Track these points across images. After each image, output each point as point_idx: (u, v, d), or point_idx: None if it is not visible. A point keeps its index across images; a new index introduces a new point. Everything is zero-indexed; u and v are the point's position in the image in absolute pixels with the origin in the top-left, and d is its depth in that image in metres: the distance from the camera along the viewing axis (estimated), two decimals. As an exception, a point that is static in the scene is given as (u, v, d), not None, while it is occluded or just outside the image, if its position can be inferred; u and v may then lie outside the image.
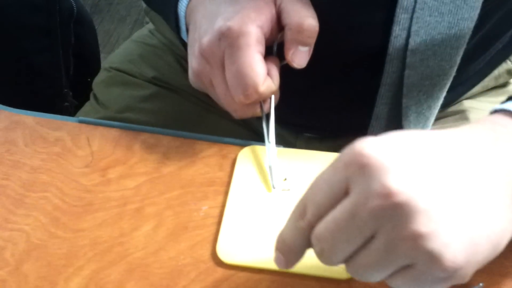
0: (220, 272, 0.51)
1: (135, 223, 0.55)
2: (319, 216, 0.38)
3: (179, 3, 0.59)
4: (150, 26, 0.85)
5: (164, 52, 0.82)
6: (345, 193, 0.37)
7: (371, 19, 0.59)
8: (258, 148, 0.59)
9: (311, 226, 0.39)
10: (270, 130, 0.57)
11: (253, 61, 0.52)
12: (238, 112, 0.56)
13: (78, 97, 1.09)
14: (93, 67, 1.13)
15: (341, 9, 0.59)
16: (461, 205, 0.37)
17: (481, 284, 0.47)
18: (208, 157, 0.59)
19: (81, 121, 0.62)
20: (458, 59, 0.60)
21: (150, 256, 0.52)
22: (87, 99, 0.85)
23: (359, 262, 0.38)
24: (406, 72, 0.60)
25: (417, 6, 0.56)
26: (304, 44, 0.54)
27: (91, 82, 0.86)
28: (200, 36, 0.54)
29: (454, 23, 0.57)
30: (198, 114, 0.77)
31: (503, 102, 0.44)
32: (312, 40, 0.55)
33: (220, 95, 0.55)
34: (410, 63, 0.59)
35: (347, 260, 0.39)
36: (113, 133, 0.61)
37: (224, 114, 0.76)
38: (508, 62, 0.74)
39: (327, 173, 0.39)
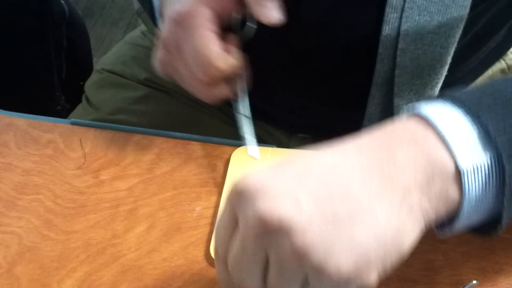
0: (213, 273, 0.51)
1: (128, 225, 0.54)
2: (227, 251, 0.40)
3: None
4: (143, 27, 0.85)
5: (156, 54, 0.82)
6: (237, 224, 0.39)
7: (361, 17, 0.59)
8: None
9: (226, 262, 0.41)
10: (245, 104, 0.58)
11: (206, 39, 0.53)
12: (206, 94, 0.56)
13: (71, 101, 1.09)
14: (86, 70, 1.13)
15: (331, 6, 0.59)
16: (336, 213, 0.37)
17: (474, 282, 0.47)
18: (201, 158, 0.59)
19: (73, 123, 0.62)
20: (449, 58, 0.60)
21: (143, 258, 0.52)
22: (80, 102, 0.85)
23: (271, 285, 0.39)
24: (397, 71, 0.60)
25: (406, 5, 0.56)
26: None
27: (83, 85, 0.85)
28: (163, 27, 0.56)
29: (443, 22, 0.57)
30: (191, 115, 0.76)
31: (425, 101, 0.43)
32: None
33: (185, 79, 0.56)
34: (400, 62, 0.59)
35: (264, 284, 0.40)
36: (106, 134, 0.61)
37: (217, 115, 0.76)
38: (502, 61, 0.75)
39: (223, 210, 0.41)
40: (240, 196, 0.38)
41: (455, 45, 0.59)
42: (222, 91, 0.56)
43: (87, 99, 0.82)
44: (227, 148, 0.59)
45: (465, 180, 0.39)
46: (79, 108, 0.83)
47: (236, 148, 0.59)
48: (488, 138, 0.39)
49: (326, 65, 0.64)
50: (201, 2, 0.54)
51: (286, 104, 0.71)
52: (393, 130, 0.41)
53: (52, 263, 0.52)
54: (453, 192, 0.39)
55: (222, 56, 0.54)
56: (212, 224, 0.54)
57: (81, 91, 0.85)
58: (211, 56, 0.53)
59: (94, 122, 0.62)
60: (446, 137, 0.39)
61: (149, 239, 0.53)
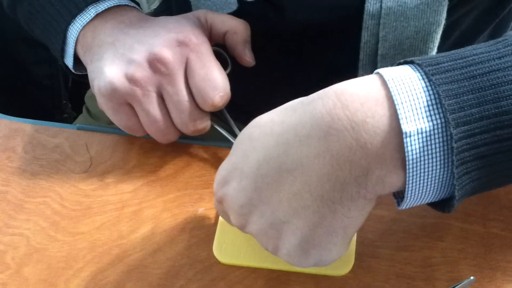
0: (216, 271, 0.52)
1: (133, 226, 0.56)
2: None
3: (69, 27, 0.59)
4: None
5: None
6: None
7: (341, 26, 0.60)
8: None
9: None
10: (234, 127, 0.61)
11: (219, 66, 0.55)
12: (196, 121, 0.56)
13: (77, 109, 1.11)
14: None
15: (311, 15, 0.60)
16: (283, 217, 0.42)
17: (472, 278, 0.48)
18: (204, 160, 0.60)
19: (79, 128, 0.63)
20: None
21: (148, 257, 0.53)
22: (85, 110, 0.86)
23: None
24: None
25: (383, 12, 0.57)
26: (249, 41, 0.58)
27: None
28: (138, 50, 0.55)
29: (420, 27, 0.58)
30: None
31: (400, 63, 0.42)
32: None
33: (179, 102, 0.55)
34: (381, 68, 0.60)
35: None
36: (111, 139, 0.62)
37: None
38: None
39: None
40: None
41: (434, 50, 0.60)
42: (205, 123, 0.57)
43: (87, 110, 0.83)
44: (228, 151, 0.60)
45: (408, 142, 0.37)
46: (80, 119, 0.84)
47: (238, 151, 0.60)
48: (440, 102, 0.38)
49: (315, 73, 0.66)
50: (201, 32, 0.56)
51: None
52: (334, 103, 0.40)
53: (59, 264, 0.54)
54: (394, 176, 0.39)
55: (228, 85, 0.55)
56: (215, 224, 0.55)
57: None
58: (226, 82, 0.54)
59: (99, 127, 0.64)
60: (395, 100, 0.38)
61: (154, 239, 0.55)
